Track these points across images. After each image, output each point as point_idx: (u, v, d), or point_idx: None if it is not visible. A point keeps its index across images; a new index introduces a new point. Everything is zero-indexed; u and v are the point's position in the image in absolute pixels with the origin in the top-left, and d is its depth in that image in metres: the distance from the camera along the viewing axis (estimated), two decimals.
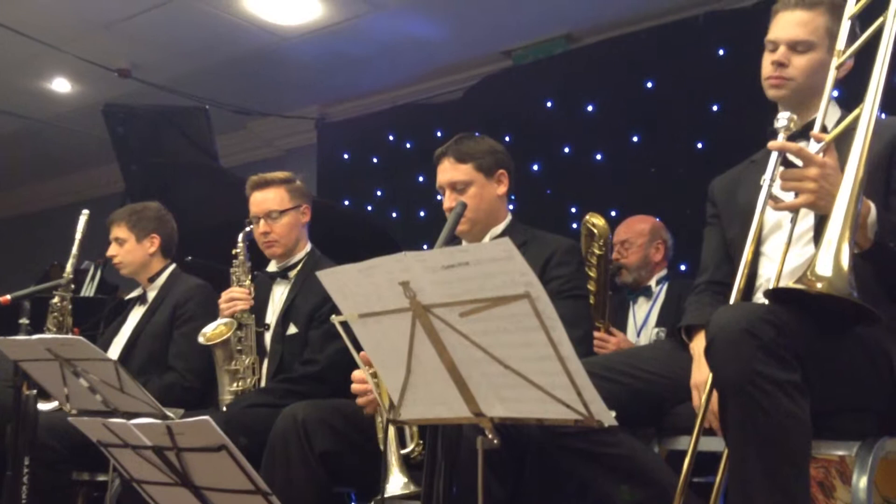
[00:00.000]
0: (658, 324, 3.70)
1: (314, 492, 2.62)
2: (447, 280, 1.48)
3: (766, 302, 1.84)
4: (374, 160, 6.62)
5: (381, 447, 2.25)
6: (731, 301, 2.06)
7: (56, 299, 3.74)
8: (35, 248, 8.21)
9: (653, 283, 3.84)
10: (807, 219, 2.07)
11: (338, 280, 1.64)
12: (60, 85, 6.64)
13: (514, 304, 1.44)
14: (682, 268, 4.56)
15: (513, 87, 5.84)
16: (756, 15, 4.56)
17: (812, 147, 1.89)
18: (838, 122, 2.08)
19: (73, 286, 3.83)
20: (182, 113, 5.17)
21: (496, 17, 5.48)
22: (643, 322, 3.77)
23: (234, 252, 3.33)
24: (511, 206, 2.91)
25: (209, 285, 3.63)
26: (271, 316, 3.27)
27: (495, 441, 1.66)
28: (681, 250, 4.08)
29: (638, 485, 2.12)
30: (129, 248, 3.65)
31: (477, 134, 2.87)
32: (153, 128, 5.03)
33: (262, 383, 3.15)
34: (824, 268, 1.69)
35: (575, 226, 4.14)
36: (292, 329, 3.18)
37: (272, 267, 3.36)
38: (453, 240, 2.71)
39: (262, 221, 3.25)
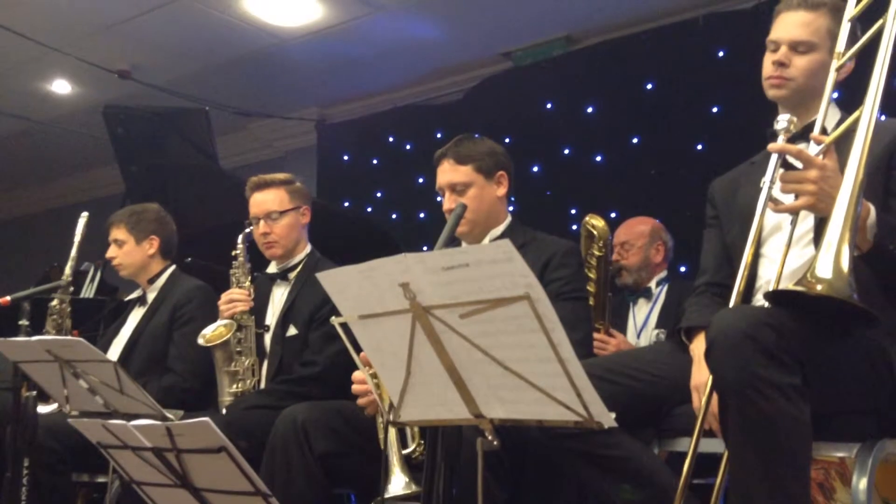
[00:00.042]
0: (658, 325, 3.70)
1: (314, 493, 2.62)
2: (447, 281, 1.48)
3: (766, 304, 1.84)
4: (374, 161, 6.62)
5: (382, 448, 2.25)
6: (732, 303, 2.06)
7: (55, 302, 3.74)
8: (35, 249, 8.21)
9: (653, 284, 3.84)
10: (807, 220, 2.07)
11: (338, 281, 1.64)
12: (61, 86, 6.64)
13: (514, 305, 1.44)
14: (682, 269, 4.56)
15: (513, 88, 5.85)
16: (756, 16, 4.59)
17: (812, 149, 1.89)
18: (838, 124, 2.09)
19: (72, 288, 3.82)
20: (182, 114, 5.17)
21: (496, 18, 5.49)
22: (643, 323, 3.77)
23: (233, 253, 3.33)
24: (511, 208, 2.91)
25: (209, 287, 3.63)
26: (271, 317, 3.27)
27: (495, 442, 1.66)
28: (681, 252, 4.08)
29: (638, 486, 2.11)
30: (128, 250, 3.66)
31: (477, 135, 2.88)
32: (153, 129, 5.03)
33: (262, 385, 3.15)
34: (824, 270, 1.69)
35: (575, 227, 4.14)
36: (292, 330, 3.18)
37: (272, 268, 3.36)
38: (453, 241, 2.71)
39: (262, 222, 3.25)
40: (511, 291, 1.43)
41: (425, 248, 3.51)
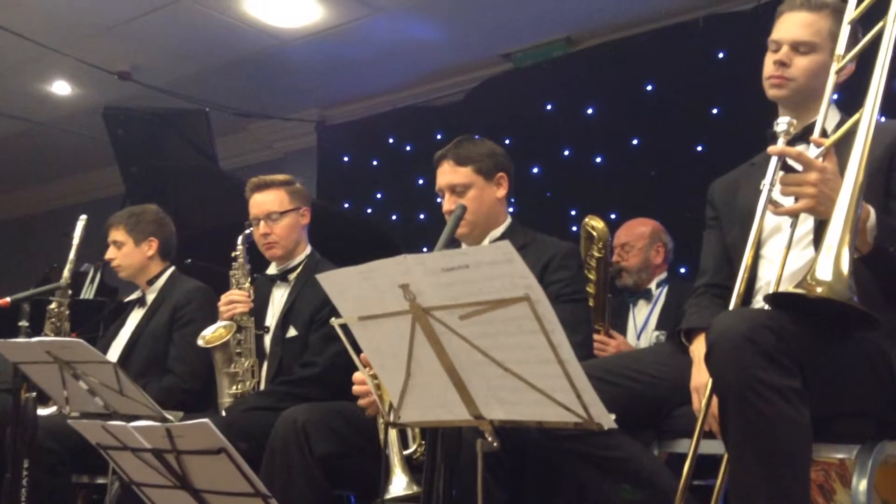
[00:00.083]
0: (658, 327, 3.70)
1: (314, 495, 2.62)
2: (447, 283, 1.48)
3: (766, 306, 1.84)
4: (374, 163, 6.62)
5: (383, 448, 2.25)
6: (731, 304, 2.06)
7: (53, 305, 3.74)
8: (35, 250, 8.21)
9: (653, 285, 3.84)
10: (806, 222, 2.07)
11: (338, 283, 1.64)
12: (61, 87, 6.64)
13: (514, 306, 1.44)
14: (682, 271, 4.56)
15: (513, 89, 5.85)
16: (756, 18, 4.59)
17: (812, 152, 1.89)
18: (838, 126, 2.09)
19: (70, 291, 3.82)
20: (182, 115, 5.17)
21: (496, 19, 5.48)
22: (643, 325, 3.77)
23: (233, 254, 3.33)
24: (511, 209, 2.91)
25: (208, 288, 3.62)
26: (271, 318, 3.27)
27: (495, 444, 1.66)
28: (681, 253, 4.08)
29: (638, 487, 2.11)
30: (126, 252, 3.66)
31: (477, 137, 2.87)
32: (153, 130, 5.03)
33: (262, 386, 3.15)
34: (824, 272, 1.69)
35: (575, 228, 4.14)
36: (292, 332, 3.18)
37: (272, 269, 3.36)
38: (453, 242, 2.71)
39: (262, 223, 3.25)
40: (511, 293, 1.43)
41: (425, 250, 3.50)
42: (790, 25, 2.18)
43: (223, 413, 3.04)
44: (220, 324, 3.19)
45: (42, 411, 3.10)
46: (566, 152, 5.62)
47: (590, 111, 5.53)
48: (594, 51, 5.64)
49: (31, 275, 5.86)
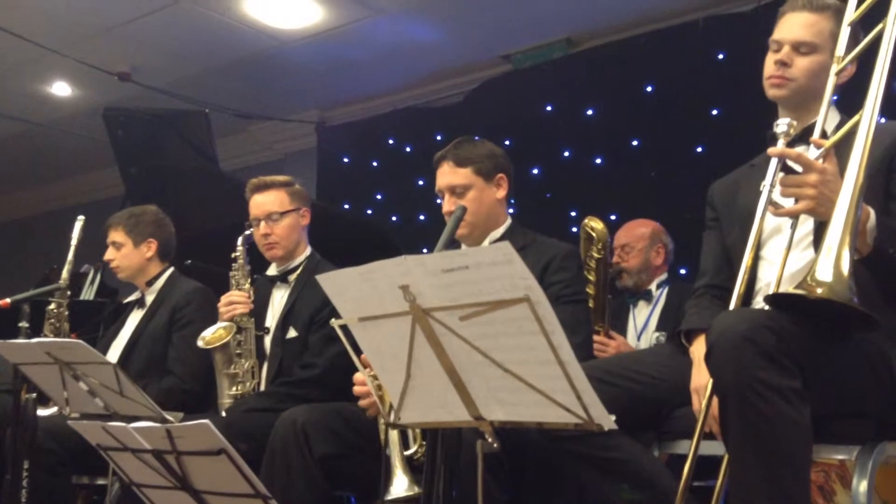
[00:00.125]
0: (658, 328, 3.70)
1: (314, 496, 2.62)
2: (447, 284, 1.48)
3: (766, 307, 1.84)
4: (374, 164, 6.63)
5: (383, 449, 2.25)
6: (731, 305, 2.06)
7: (53, 306, 3.74)
8: (35, 251, 8.21)
9: (653, 286, 3.85)
10: (806, 223, 2.07)
11: (338, 284, 1.64)
12: (61, 88, 6.64)
13: (514, 307, 1.44)
14: (683, 272, 4.56)
15: (513, 90, 5.85)
16: (756, 19, 4.59)
17: (812, 153, 1.89)
18: (838, 127, 2.09)
19: (69, 292, 3.82)
20: (182, 116, 5.17)
21: (496, 20, 5.49)
22: (643, 326, 3.77)
23: (233, 255, 3.33)
24: (511, 210, 2.91)
25: (208, 289, 3.62)
26: (271, 319, 3.27)
27: (495, 445, 1.66)
28: (681, 254, 4.08)
29: (638, 488, 2.12)
30: (125, 253, 3.65)
31: (476, 138, 2.88)
32: (153, 131, 5.03)
33: (262, 387, 3.15)
34: (824, 273, 1.69)
35: (575, 229, 4.14)
36: (292, 333, 3.18)
37: (272, 270, 3.36)
38: (453, 243, 2.71)
39: (262, 223, 3.25)
40: (511, 293, 1.43)
41: (425, 251, 3.51)
42: (792, 26, 2.19)
43: (223, 414, 3.04)
44: (220, 325, 3.19)
45: (42, 412, 3.10)
46: (566, 153, 5.62)
47: (589, 112, 5.53)
48: (594, 52, 5.64)
49: (31, 276, 5.85)
